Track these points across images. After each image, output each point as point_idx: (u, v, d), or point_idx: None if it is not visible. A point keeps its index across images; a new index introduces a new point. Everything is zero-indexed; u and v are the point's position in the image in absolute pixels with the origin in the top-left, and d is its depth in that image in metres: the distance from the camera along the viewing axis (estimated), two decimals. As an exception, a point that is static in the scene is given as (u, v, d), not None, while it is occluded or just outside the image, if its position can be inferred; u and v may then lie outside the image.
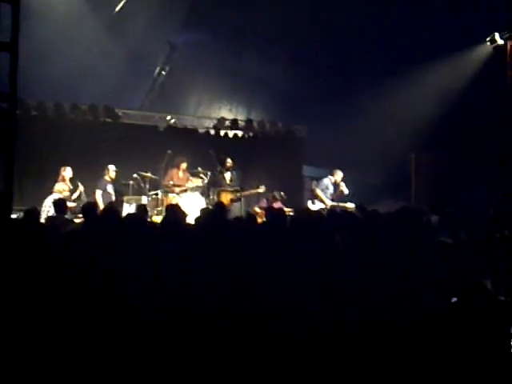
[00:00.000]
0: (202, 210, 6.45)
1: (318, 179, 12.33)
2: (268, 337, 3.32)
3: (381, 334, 3.39)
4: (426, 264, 4.29)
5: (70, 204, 9.36)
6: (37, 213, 6.08)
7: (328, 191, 11.69)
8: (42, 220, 8.37)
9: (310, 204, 11.85)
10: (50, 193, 9.67)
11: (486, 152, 12.34)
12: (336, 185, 11.74)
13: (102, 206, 9.76)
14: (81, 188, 10.44)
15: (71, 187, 10.17)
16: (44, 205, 9.40)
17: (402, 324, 3.47)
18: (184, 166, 11.74)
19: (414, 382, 3.16)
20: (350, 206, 11.18)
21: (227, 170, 11.86)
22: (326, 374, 3.22)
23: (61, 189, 9.64)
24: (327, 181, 11.76)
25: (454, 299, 3.52)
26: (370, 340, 3.36)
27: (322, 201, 11.54)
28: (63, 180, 10.13)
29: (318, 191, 11.62)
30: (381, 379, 3.16)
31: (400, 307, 3.68)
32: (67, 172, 10.28)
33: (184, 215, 5.82)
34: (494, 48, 12.24)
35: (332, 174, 11.82)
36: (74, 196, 10.27)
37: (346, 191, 11.63)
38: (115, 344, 3.18)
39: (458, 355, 3.24)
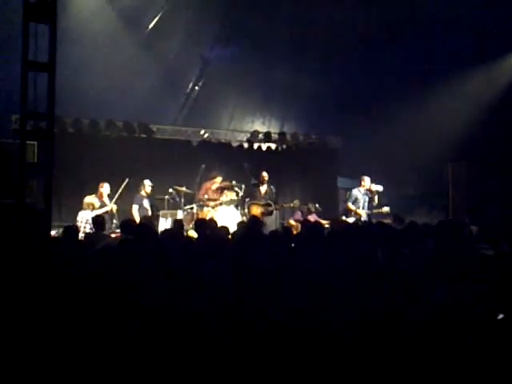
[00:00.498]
0: (239, 225, 6.45)
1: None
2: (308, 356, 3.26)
3: (424, 349, 3.31)
4: (469, 277, 4.19)
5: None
6: (76, 230, 6.14)
7: (359, 202, 11.22)
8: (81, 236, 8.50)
9: (344, 218, 11.60)
10: (82, 208, 9.72)
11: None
12: (368, 191, 11.24)
13: (138, 220, 9.82)
14: (113, 207, 10.38)
15: (108, 203, 10.24)
16: (78, 220, 9.48)
17: (449, 340, 3.38)
18: (218, 179, 11.77)
19: None
20: (386, 209, 11.04)
21: (263, 183, 11.83)
22: None
23: (90, 202, 9.67)
24: (356, 192, 11.26)
25: (501, 315, 3.42)
26: (411, 356, 3.28)
27: (355, 213, 11.26)
28: (101, 196, 10.22)
29: (350, 205, 11.30)
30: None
31: (444, 320, 3.59)
32: (105, 188, 10.37)
33: (217, 229, 5.85)
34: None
35: (360, 184, 11.35)
36: (104, 210, 10.18)
37: (380, 187, 11.21)
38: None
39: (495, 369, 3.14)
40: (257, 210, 11.52)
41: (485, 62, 12.69)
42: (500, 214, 11.09)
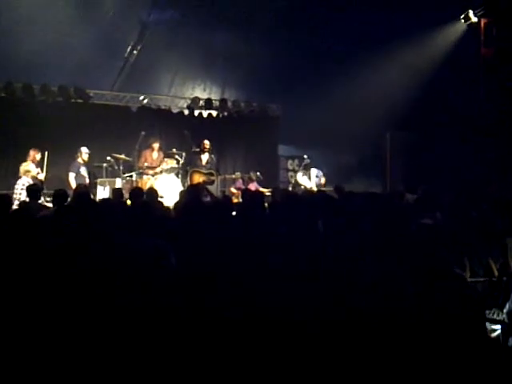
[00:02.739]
0: (180, 194, 6.39)
1: (299, 159, 13.32)
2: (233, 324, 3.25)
3: (356, 318, 3.36)
4: (405, 247, 4.28)
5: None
6: (9, 199, 5.91)
7: (317, 181, 12.20)
8: (15, 205, 8.23)
9: (299, 175, 12.45)
10: (19, 176, 9.42)
11: (460, 131, 12.43)
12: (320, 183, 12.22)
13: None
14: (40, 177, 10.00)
15: (40, 171, 9.91)
16: (16, 187, 9.20)
17: (379, 309, 3.45)
18: (156, 146, 11.59)
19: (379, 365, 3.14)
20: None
21: (204, 151, 11.76)
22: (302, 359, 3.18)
23: (27, 169, 9.39)
24: (321, 174, 12.31)
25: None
26: (344, 324, 3.32)
27: (309, 179, 12.15)
28: (33, 161, 9.87)
29: (313, 172, 12.21)
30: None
31: (378, 291, 3.66)
32: (37, 156, 10.02)
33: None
34: (468, 26, 12.30)
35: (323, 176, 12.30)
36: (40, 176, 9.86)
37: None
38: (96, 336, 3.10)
39: (428, 340, 3.23)
40: (199, 179, 11.49)
41: (425, 32, 12.85)
42: (435, 184, 11.40)
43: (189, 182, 11.29)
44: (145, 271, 3.23)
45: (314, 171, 12.23)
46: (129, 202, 7.84)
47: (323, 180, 12.21)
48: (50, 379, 2.84)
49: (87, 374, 2.82)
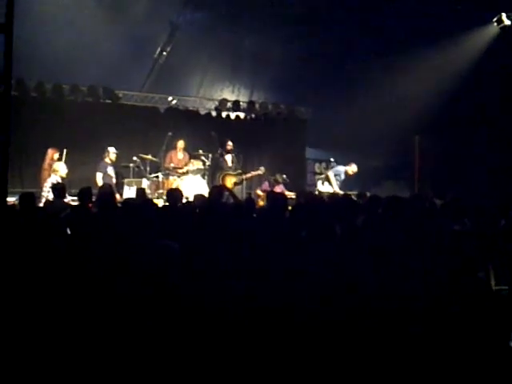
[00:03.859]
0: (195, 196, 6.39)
1: (326, 162, 12.92)
2: (261, 325, 3.23)
3: (374, 320, 3.31)
4: (428, 250, 4.21)
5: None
6: (32, 198, 5.97)
7: (340, 179, 11.87)
8: (42, 204, 8.34)
9: (319, 185, 12.07)
10: (49, 175, 9.55)
11: (491, 136, 12.20)
12: (347, 176, 11.95)
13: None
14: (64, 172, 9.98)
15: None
16: (45, 185, 9.32)
17: (398, 311, 3.39)
18: (181, 144, 11.65)
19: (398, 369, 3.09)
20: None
21: (228, 152, 11.83)
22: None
23: (57, 168, 9.50)
24: (342, 169, 11.94)
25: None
26: (362, 325, 3.28)
27: (331, 184, 11.73)
28: (52, 160, 9.97)
29: (331, 175, 11.80)
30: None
31: (398, 294, 3.60)
32: (55, 156, 10.10)
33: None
34: (501, 28, 12.05)
35: (349, 165, 11.97)
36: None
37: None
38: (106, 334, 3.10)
39: (449, 346, 3.17)
40: (230, 181, 11.60)
41: (457, 35, 12.62)
42: (464, 190, 11.19)
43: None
44: (153, 271, 3.22)
45: (331, 174, 11.91)
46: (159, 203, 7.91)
47: (351, 170, 11.88)
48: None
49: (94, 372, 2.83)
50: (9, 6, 5.71)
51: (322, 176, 12.35)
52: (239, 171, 11.86)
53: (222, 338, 3.02)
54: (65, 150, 10.29)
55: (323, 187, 11.84)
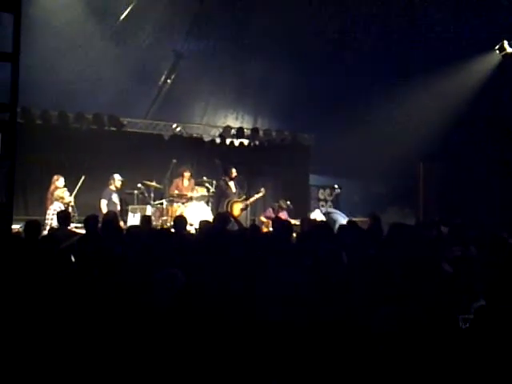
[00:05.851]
0: (200, 223, 6.37)
1: (330, 188, 12.80)
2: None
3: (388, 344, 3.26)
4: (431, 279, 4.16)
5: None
6: (38, 226, 5.96)
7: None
8: (46, 231, 8.34)
9: (318, 212, 12.02)
10: (52, 201, 9.55)
11: (495, 162, 12.21)
12: None
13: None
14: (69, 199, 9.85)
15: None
16: (48, 212, 9.32)
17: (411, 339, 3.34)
18: (187, 174, 11.67)
19: None
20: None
21: (231, 179, 11.84)
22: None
23: (61, 195, 9.51)
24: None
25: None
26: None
27: None
28: (56, 187, 9.98)
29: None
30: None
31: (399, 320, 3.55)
32: (60, 182, 10.11)
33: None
34: (503, 56, 12.14)
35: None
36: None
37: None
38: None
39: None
40: (237, 208, 11.60)
41: (460, 63, 12.71)
42: (470, 215, 11.15)
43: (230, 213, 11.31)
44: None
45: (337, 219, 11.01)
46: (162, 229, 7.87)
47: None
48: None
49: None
50: (15, 35, 5.80)
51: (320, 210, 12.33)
52: (244, 197, 11.90)
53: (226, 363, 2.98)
54: (82, 177, 10.33)
55: (318, 215, 11.86)
